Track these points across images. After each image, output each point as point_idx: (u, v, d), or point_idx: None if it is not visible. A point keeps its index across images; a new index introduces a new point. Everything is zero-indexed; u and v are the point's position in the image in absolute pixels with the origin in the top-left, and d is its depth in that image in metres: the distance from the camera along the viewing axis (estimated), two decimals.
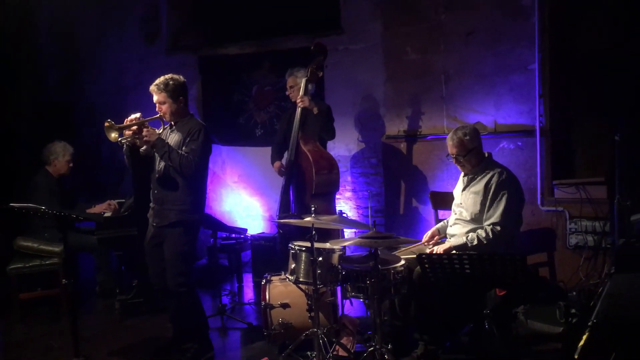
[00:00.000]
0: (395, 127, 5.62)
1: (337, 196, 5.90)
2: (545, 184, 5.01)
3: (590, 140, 4.94)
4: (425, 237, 3.99)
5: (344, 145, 5.90)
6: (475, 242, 3.50)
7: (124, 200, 5.26)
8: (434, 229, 4.04)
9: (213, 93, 6.53)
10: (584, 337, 2.66)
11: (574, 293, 4.65)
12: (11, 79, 6.13)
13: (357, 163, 5.90)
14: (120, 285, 5.08)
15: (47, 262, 4.89)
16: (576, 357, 2.90)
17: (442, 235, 4.00)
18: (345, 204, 5.97)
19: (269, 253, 5.38)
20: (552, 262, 4.99)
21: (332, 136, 4.92)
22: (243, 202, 6.57)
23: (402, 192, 5.62)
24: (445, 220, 4.12)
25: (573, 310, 3.79)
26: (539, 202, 5.02)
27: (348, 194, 5.97)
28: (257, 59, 6.22)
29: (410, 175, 5.53)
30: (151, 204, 3.85)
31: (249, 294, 5.44)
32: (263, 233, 5.91)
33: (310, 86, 4.75)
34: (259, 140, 6.26)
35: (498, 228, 3.49)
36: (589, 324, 2.87)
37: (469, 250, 3.49)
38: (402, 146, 5.58)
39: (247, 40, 6.23)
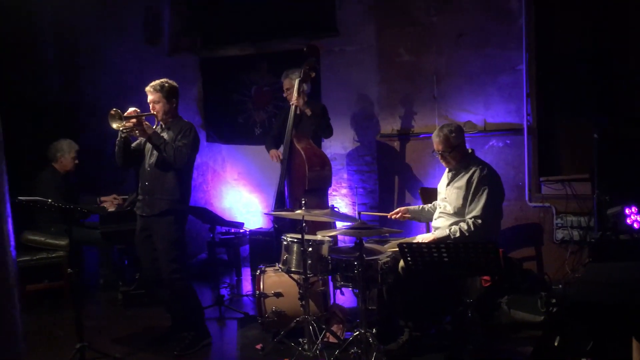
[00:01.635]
0: (389, 126, 5.80)
1: (334, 193, 6.11)
2: (532, 180, 5.20)
3: (576, 138, 5.12)
4: (393, 212, 4.22)
5: (339, 144, 6.09)
6: (458, 234, 3.68)
7: (127, 197, 5.47)
8: (403, 207, 4.26)
9: (213, 93, 6.72)
10: None
11: (560, 286, 4.84)
12: (15, 80, 6.33)
13: (352, 161, 6.09)
14: (123, 278, 5.28)
15: (53, 255, 5.10)
16: (556, 344, 3.09)
17: (410, 215, 4.20)
18: (342, 201, 6.16)
19: (266, 247, 5.56)
20: (539, 256, 5.19)
21: (329, 134, 5.12)
22: (243, 199, 6.77)
23: (395, 188, 5.80)
24: (420, 206, 4.31)
25: (553, 300, 3.99)
26: (526, 198, 5.20)
27: (344, 191, 6.16)
28: (255, 60, 6.42)
29: (403, 173, 5.72)
30: (139, 196, 4.06)
31: (247, 286, 5.64)
32: (261, 228, 6.11)
33: (305, 86, 4.94)
34: (258, 139, 6.45)
35: (479, 221, 3.67)
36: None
37: (452, 241, 3.67)
38: (396, 144, 5.76)
39: (246, 42, 6.43)
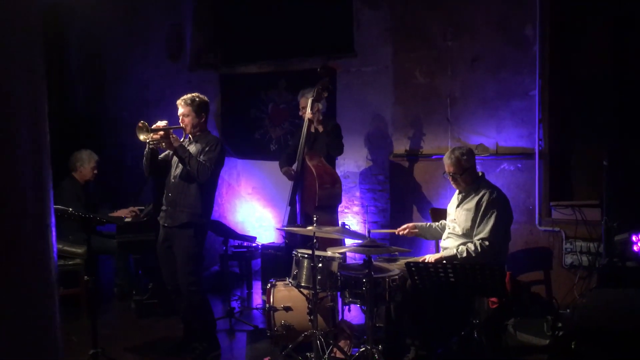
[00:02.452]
0: (402, 146, 5.89)
1: (345, 210, 6.20)
2: (543, 204, 5.24)
3: (587, 164, 5.16)
4: (401, 227, 4.33)
5: (353, 162, 6.19)
6: (465, 254, 3.75)
7: (143, 207, 5.61)
8: (411, 223, 4.37)
9: (232, 109, 6.88)
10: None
11: (568, 310, 4.86)
12: None
13: (365, 179, 6.18)
14: (137, 288, 5.39)
15: (70, 263, 5.23)
16: None
17: (417, 231, 4.28)
18: (353, 218, 6.24)
19: (277, 261, 5.65)
20: (548, 280, 5.21)
21: (339, 152, 5.23)
22: (256, 213, 6.88)
23: (406, 208, 5.87)
24: (427, 223, 4.39)
25: (560, 324, 4.02)
26: (537, 222, 5.24)
27: (356, 209, 6.24)
28: (274, 78, 6.56)
29: (415, 193, 5.79)
30: (163, 207, 4.18)
31: (257, 299, 5.73)
32: (273, 243, 6.20)
33: (320, 105, 5.07)
34: (273, 154, 6.57)
35: (486, 243, 3.74)
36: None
37: (459, 261, 3.74)
38: (408, 165, 5.85)
39: (265, 60, 6.59)
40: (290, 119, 6.49)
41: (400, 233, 4.29)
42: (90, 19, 6.99)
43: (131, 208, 5.60)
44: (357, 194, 6.22)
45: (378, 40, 5.94)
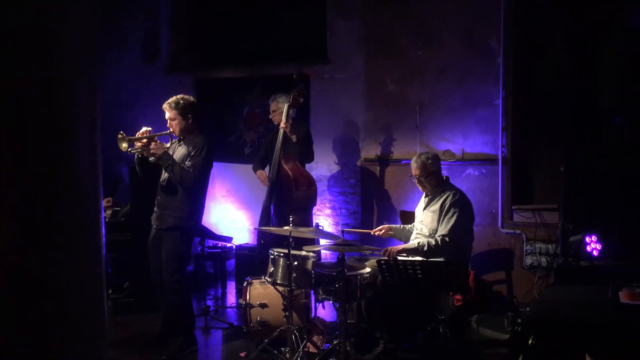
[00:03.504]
0: (373, 151, 6.12)
1: (318, 212, 6.39)
2: (505, 208, 5.52)
3: (548, 170, 5.46)
4: (376, 229, 4.56)
5: (325, 166, 6.39)
6: (425, 247, 3.99)
7: (119, 208, 5.70)
8: (386, 225, 4.60)
9: (207, 112, 6.98)
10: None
11: (527, 309, 5.15)
12: (11, 95, 6.56)
13: (336, 183, 6.39)
14: (114, 286, 5.48)
15: None
16: None
17: (392, 233, 4.53)
18: (325, 220, 6.44)
19: (251, 262, 5.80)
20: (510, 279, 5.50)
21: (310, 159, 5.42)
22: (230, 215, 7.02)
23: (376, 210, 6.10)
24: (401, 225, 4.63)
25: (519, 320, 4.28)
26: (499, 224, 5.52)
27: (328, 211, 6.44)
28: (248, 83, 6.73)
29: (385, 196, 6.03)
30: (155, 209, 4.30)
31: (231, 299, 5.87)
32: (247, 244, 6.36)
33: (292, 111, 5.24)
34: (247, 158, 6.72)
35: (446, 239, 4.00)
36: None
37: (419, 254, 3.97)
38: (378, 169, 6.08)
39: (241, 65, 6.76)
40: (264, 123, 6.65)
41: (376, 234, 4.50)
42: None
43: (107, 199, 5.72)
44: (329, 197, 6.42)
45: (351, 48, 6.17)
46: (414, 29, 5.82)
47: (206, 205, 7.03)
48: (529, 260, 5.37)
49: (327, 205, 6.44)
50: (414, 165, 4.25)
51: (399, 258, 3.84)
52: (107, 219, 5.41)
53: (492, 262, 5.55)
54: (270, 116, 5.48)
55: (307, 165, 5.69)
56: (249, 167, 5.95)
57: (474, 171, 5.66)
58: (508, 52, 5.43)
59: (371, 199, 6.16)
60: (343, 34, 6.20)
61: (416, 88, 5.87)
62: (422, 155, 4.26)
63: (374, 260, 4.36)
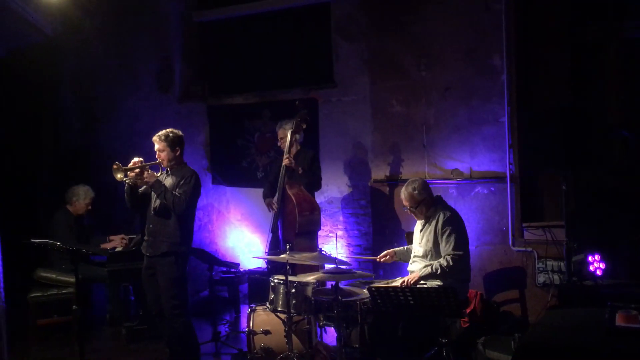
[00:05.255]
0: (382, 172, 6.14)
1: (330, 234, 6.42)
2: (516, 225, 5.45)
3: (557, 186, 5.37)
4: (381, 254, 4.54)
5: (336, 188, 6.43)
6: (439, 270, 3.97)
7: (134, 237, 5.85)
8: (391, 250, 4.57)
9: (219, 138, 7.15)
10: None
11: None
12: (35, 126, 6.83)
13: (348, 204, 6.42)
14: (128, 314, 5.60)
15: (63, 291, 5.45)
16: None
17: (397, 257, 4.50)
18: (338, 242, 6.45)
19: (264, 286, 5.83)
20: (523, 298, 5.41)
21: (317, 188, 5.48)
22: (245, 239, 7.10)
23: (387, 231, 6.10)
24: (405, 247, 4.63)
25: None
26: (510, 242, 5.46)
27: (340, 233, 6.46)
28: (259, 109, 6.84)
29: (394, 217, 6.02)
30: (145, 237, 4.41)
31: (244, 323, 5.91)
32: (259, 267, 6.41)
33: (297, 136, 5.32)
34: (259, 182, 6.81)
35: (456, 255, 3.97)
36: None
37: (436, 277, 3.95)
38: (388, 189, 6.09)
39: (251, 91, 6.89)
40: (275, 147, 6.71)
41: (382, 260, 4.50)
42: (83, 55, 7.31)
43: (122, 236, 5.85)
44: (341, 218, 6.45)
45: (356, 71, 6.23)
46: (417, 50, 5.85)
47: (222, 229, 7.25)
48: (541, 279, 5.28)
49: (339, 227, 6.46)
50: (402, 197, 4.28)
51: (392, 285, 3.84)
52: (120, 249, 5.56)
53: (504, 280, 5.48)
54: (279, 143, 5.58)
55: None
56: (262, 191, 6.03)
57: (483, 189, 5.62)
58: (511, 69, 5.40)
59: (382, 219, 6.16)
60: (348, 57, 6.27)
61: (422, 108, 5.88)
62: (408, 186, 4.27)
63: (378, 284, 4.37)
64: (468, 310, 4.63)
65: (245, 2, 6.78)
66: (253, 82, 6.91)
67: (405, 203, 4.21)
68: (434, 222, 4.15)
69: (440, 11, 5.72)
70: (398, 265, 5.95)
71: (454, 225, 4.07)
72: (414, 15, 5.84)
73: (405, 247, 4.69)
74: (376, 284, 4.37)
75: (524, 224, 5.42)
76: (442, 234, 4.06)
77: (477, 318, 4.66)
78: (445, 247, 4.08)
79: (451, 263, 3.99)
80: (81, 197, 5.82)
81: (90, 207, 5.88)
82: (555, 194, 5.40)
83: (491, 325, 4.63)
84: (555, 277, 5.19)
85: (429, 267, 4.08)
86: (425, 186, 4.27)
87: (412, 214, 4.28)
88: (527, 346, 2.90)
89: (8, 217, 5.76)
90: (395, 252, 4.57)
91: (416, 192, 4.18)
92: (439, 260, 4.07)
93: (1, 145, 6.00)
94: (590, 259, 3.94)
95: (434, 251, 4.12)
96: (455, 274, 4.02)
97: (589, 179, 4.98)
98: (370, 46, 6.12)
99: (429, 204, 4.22)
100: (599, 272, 3.88)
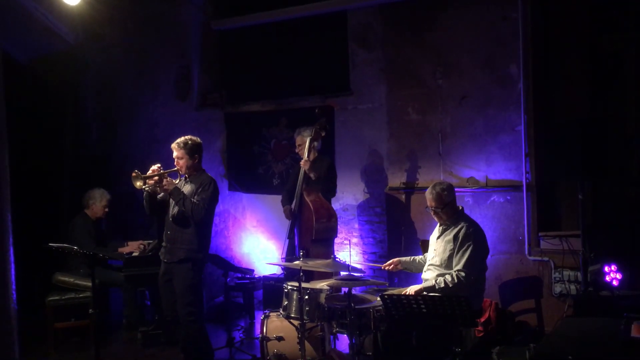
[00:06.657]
0: (398, 179, 6.14)
1: (345, 242, 6.43)
2: (532, 235, 5.42)
3: (573, 195, 5.33)
4: (386, 263, 4.53)
5: (351, 195, 6.45)
6: (442, 285, 3.95)
7: (151, 242, 5.91)
8: (396, 259, 4.56)
9: (236, 145, 7.21)
10: None
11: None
12: (57, 132, 6.96)
13: (363, 212, 6.42)
14: (144, 319, 5.66)
15: (81, 295, 5.52)
16: None
17: (402, 266, 4.50)
18: (353, 249, 6.46)
19: (278, 292, 5.86)
20: (539, 308, 5.37)
21: (332, 195, 5.50)
22: (261, 245, 7.14)
23: (402, 239, 6.09)
24: (411, 257, 4.60)
25: None
26: (526, 252, 5.42)
27: (355, 240, 6.47)
28: (275, 116, 6.89)
29: (409, 224, 6.01)
30: (163, 243, 4.46)
31: (259, 329, 5.93)
32: (274, 274, 6.44)
33: (315, 143, 5.35)
34: (276, 188, 6.85)
35: (462, 274, 3.94)
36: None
37: (437, 292, 3.94)
38: (403, 197, 6.09)
39: (267, 99, 6.94)
40: (291, 154, 6.78)
41: (387, 269, 4.50)
42: (104, 63, 7.44)
43: (140, 242, 5.92)
44: (356, 225, 6.46)
45: (372, 79, 6.25)
46: (433, 58, 5.86)
47: (238, 235, 7.29)
48: (558, 289, 5.23)
49: (355, 234, 6.47)
50: (429, 197, 4.23)
51: (403, 293, 3.83)
52: (136, 254, 5.62)
53: (520, 290, 5.44)
54: (297, 150, 5.62)
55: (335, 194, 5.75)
56: (278, 197, 6.07)
57: (499, 198, 5.60)
58: (528, 77, 5.39)
59: (397, 227, 6.16)
60: (364, 65, 6.29)
61: (438, 116, 5.88)
62: (437, 186, 4.23)
63: (391, 291, 4.36)
64: (482, 320, 4.60)
65: (263, 11, 6.85)
66: (270, 89, 6.97)
67: (432, 204, 4.17)
68: (454, 231, 4.11)
69: (457, 20, 5.73)
70: (409, 275, 5.95)
71: (476, 242, 4.02)
72: (430, 23, 5.86)
73: (412, 257, 4.66)
74: (389, 292, 4.38)
75: (540, 233, 5.38)
76: (460, 247, 4.02)
77: (491, 327, 4.62)
78: (457, 262, 4.05)
79: (455, 280, 3.96)
80: (97, 200, 5.90)
81: (107, 210, 5.96)
82: (572, 203, 5.35)
83: (506, 335, 4.60)
84: (572, 287, 5.13)
85: (433, 281, 4.04)
86: (452, 189, 4.25)
87: (435, 216, 4.25)
88: (542, 357, 2.87)
89: (30, 222, 5.88)
90: (400, 261, 4.56)
91: (445, 192, 4.14)
92: (445, 275, 4.04)
93: (24, 151, 6.12)
94: (606, 269, 3.89)
95: (450, 262, 4.10)
96: (459, 291, 3.98)
97: (607, 189, 4.94)
98: (386, 54, 6.14)
99: (454, 208, 4.20)
100: (615, 283, 3.84)
